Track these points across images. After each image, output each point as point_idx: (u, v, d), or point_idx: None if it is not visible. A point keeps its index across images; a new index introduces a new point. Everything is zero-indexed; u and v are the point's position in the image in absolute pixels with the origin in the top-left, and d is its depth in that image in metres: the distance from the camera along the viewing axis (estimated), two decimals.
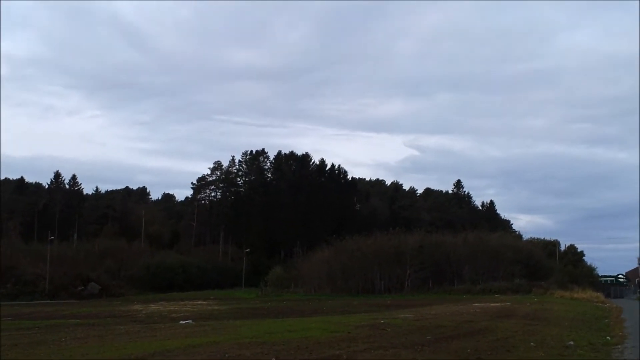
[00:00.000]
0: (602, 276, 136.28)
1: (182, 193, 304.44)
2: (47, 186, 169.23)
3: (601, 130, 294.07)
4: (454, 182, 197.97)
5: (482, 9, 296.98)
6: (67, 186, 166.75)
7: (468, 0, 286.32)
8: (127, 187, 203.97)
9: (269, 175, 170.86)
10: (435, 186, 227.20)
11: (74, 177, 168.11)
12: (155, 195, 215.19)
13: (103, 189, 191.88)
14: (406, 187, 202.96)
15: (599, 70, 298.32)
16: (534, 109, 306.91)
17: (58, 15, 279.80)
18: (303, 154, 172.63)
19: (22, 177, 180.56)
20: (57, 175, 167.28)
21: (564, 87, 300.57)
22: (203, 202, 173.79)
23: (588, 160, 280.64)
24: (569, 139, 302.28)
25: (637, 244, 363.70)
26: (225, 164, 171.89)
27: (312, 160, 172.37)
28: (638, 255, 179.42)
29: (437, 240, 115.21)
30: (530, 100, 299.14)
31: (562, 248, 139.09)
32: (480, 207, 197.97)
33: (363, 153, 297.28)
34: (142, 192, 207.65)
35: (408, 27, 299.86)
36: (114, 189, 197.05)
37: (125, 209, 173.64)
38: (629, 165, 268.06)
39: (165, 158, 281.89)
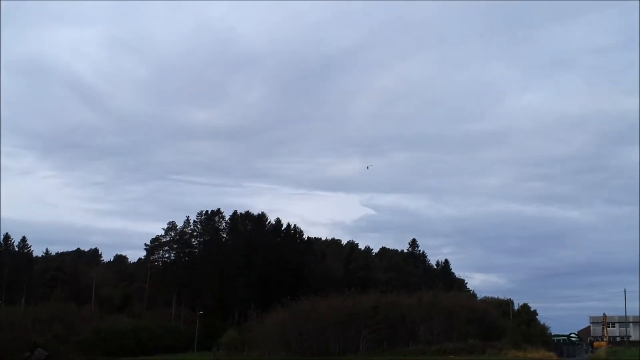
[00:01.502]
0: (555, 335, 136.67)
1: (135, 254, 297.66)
2: None
3: (554, 189, 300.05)
4: (410, 241, 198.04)
5: (436, 71, 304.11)
6: (17, 249, 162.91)
7: (421, 62, 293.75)
8: (78, 248, 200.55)
9: (224, 235, 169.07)
10: (391, 245, 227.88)
11: (23, 240, 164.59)
12: (107, 256, 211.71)
13: (53, 250, 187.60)
14: (362, 246, 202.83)
15: (550, 130, 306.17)
16: (487, 168, 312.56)
17: (15, 74, 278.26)
18: (259, 214, 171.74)
19: None
20: (7, 237, 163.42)
21: (517, 147, 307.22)
22: (156, 263, 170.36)
23: (541, 219, 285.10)
24: (523, 197, 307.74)
25: (590, 303, 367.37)
26: (179, 224, 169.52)
27: (268, 220, 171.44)
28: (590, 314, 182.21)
29: (392, 300, 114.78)
30: (483, 160, 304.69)
31: (516, 307, 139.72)
32: (435, 266, 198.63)
33: (319, 212, 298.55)
34: (94, 253, 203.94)
35: (363, 88, 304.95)
36: (64, 250, 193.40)
37: (76, 272, 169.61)
38: (581, 224, 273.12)
39: (118, 219, 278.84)
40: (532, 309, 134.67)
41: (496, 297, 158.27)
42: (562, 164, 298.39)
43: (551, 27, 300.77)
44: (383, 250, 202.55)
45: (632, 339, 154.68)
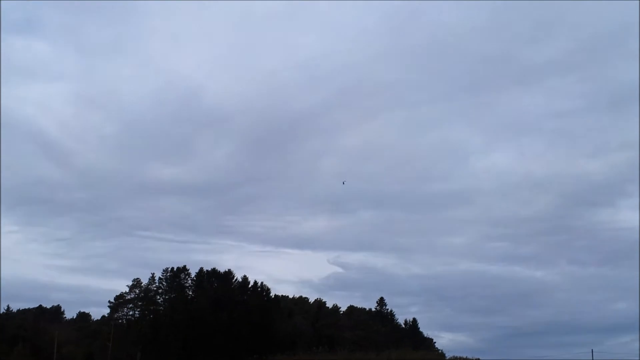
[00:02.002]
0: None
1: (99, 312, 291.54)
2: None
3: (519, 249, 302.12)
4: (377, 300, 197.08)
5: (402, 132, 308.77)
6: None
7: (388, 123, 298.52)
8: (40, 305, 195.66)
9: (190, 292, 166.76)
10: (359, 303, 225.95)
11: None
12: (70, 314, 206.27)
13: (15, 307, 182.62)
14: (329, 304, 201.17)
15: (514, 191, 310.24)
16: (453, 227, 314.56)
17: None
18: (225, 271, 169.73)
19: None
20: None
21: (482, 207, 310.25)
22: (120, 321, 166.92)
23: (507, 279, 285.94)
24: (489, 257, 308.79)
25: None
26: (144, 281, 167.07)
27: (235, 277, 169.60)
28: None
29: (360, 359, 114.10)
30: (450, 219, 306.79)
31: None
32: (404, 325, 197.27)
33: (287, 270, 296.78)
34: (56, 311, 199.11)
35: (331, 147, 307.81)
36: (26, 307, 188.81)
37: (37, 329, 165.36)
38: (547, 284, 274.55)
39: (82, 275, 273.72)
40: None
41: (464, 356, 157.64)
42: (526, 225, 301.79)
43: (514, 92, 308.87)
44: (351, 308, 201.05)
45: None
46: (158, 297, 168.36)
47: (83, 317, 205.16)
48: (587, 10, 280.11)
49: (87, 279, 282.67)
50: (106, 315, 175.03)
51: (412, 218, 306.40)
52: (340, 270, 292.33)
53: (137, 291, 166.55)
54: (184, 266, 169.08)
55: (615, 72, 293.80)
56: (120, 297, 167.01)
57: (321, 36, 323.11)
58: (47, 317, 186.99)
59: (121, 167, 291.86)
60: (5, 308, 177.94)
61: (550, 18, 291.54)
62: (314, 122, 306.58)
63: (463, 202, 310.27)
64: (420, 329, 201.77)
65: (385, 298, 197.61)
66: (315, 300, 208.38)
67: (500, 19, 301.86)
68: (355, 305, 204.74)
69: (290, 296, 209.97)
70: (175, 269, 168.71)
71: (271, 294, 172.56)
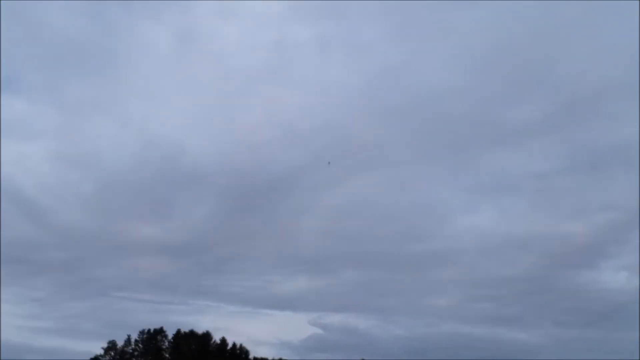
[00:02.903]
0: None
1: None
2: None
3: (502, 310, 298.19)
4: None
5: (382, 191, 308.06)
6: None
7: (368, 182, 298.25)
8: None
9: (167, 355, 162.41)
10: None
11: None
12: None
13: None
14: None
15: (496, 251, 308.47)
16: (436, 288, 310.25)
17: None
18: (204, 333, 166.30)
19: None
20: None
21: (465, 267, 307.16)
22: None
23: (491, 340, 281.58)
24: (472, 318, 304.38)
25: None
26: (120, 343, 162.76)
27: (213, 339, 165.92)
28: None
29: None
30: (432, 280, 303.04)
31: None
32: None
33: (266, 331, 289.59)
34: None
35: (311, 206, 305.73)
36: None
37: None
38: (531, 346, 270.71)
39: (57, 337, 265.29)
40: None
41: None
42: (510, 285, 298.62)
43: (494, 152, 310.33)
44: None
45: None
46: (134, 359, 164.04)
47: None
48: (565, 72, 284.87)
49: (62, 340, 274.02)
50: None
51: (394, 278, 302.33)
52: (320, 331, 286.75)
53: (112, 353, 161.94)
54: (161, 328, 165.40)
55: (594, 134, 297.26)
56: None
57: (302, 95, 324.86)
58: None
59: (99, 227, 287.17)
60: None
61: (529, 79, 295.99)
62: (295, 180, 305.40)
63: (446, 262, 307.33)
64: None
65: None
66: None
67: (479, 80, 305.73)
68: None
69: (270, 358, 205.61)
70: (152, 331, 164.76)
71: (250, 356, 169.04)
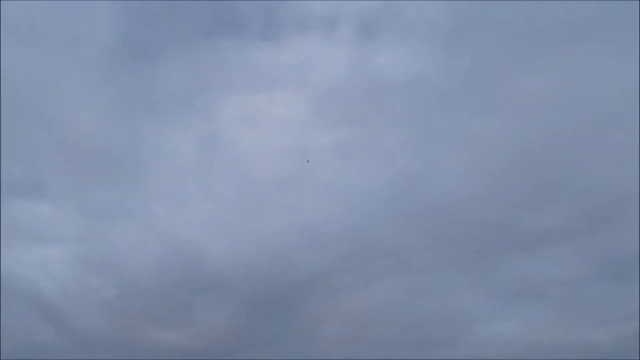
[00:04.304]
0: None
1: None
2: None
3: None
4: None
5: (404, 297, 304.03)
6: None
7: (389, 288, 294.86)
8: None
9: None
10: None
11: None
12: None
13: None
14: None
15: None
16: None
17: None
18: None
19: None
20: None
21: None
22: None
23: None
24: None
25: None
26: None
27: None
28: None
29: None
30: None
31: None
32: None
33: None
34: None
35: (332, 311, 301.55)
36: None
37: None
38: None
39: None
40: None
41: None
42: None
43: (517, 259, 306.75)
44: None
45: None
46: None
47: None
48: (588, 178, 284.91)
49: None
50: None
51: None
52: None
53: None
54: None
55: (619, 240, 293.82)
56: None
57: (323, 200, 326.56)
58: None
59: (119, 331, 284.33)
60: None
61: (551, 185, 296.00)
62: (315, 286, 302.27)
63: None
64: None
65: None
66: None
67: (501, 187, 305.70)
68: None
69: None
70: None
71: None
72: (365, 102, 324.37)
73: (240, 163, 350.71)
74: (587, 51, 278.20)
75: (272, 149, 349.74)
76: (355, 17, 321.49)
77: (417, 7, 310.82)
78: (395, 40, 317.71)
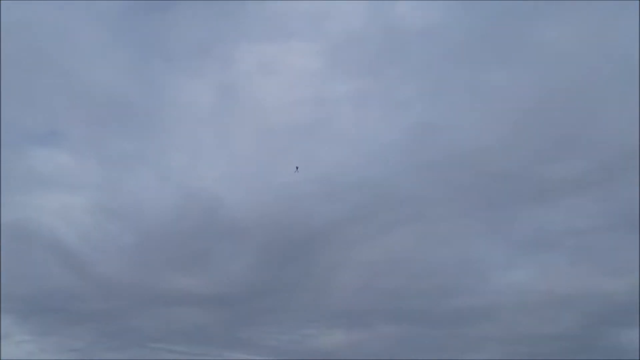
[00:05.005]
0: None
1: None
2: None
3: None
4: None
5: (420, 246, 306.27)
6: None
7: (405, 237, 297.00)
8: None
9: None
10: None
11: None
12: None
13: None
14: None
15: (537, 308, 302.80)
16: (474, 344, 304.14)
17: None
18: None
19: None
20: None
21: (504, 324, 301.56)
22: None
23: None
24: None
25: None
26: None
27: None
28: None
29: None
30: (471, 336, 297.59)
31: None
32: None
33: None
34: None
35: (348, 260, 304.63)
36: None
37: None
38: None
39: None
40: None
41: None
42: (550, 343, 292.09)
43: (532, 209, 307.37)
44: None
45: None
46: None
47: None
48: (605, 129, 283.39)
49: None
50: None
51: (432, 333, 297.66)
52: None
53: None
54: None
55: (633, 192, 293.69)
56: None
57: (339, 150, 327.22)
58: None
59: (138, 278, 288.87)
60: None
61: (568, 136, 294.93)
62: (332, 234, 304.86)
63: (484, 319, 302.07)
64: None
65: None
66: None
67: (518, 137, 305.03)
68: None
69: None
70: None
71: None
72: (383, 52, 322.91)
73: (256, 112, 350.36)
74: (604, 2, 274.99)
75: (289, 98, 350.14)
76: None
77: None
78: None
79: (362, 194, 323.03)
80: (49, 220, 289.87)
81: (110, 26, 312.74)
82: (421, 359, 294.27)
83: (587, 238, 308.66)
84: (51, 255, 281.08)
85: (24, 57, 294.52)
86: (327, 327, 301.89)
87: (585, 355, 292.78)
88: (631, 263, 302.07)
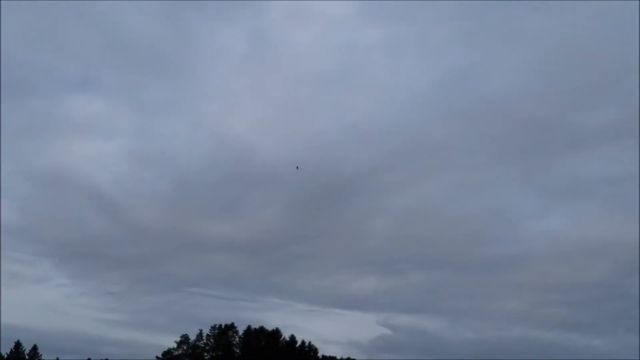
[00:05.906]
0: None
1: None
2: (6, 356, 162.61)
3: (575, 316, 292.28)
4: None
5: (453, 194, 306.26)
6: (27, 357, 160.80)
7: (439, 185, 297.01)
8: (89, 358, 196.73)
9: (237, 350, 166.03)
10: None
11: (34, 348, 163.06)
12: None
13: (64, 359, 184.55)
14: None
15: (569, 256, 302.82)
16: (506, 291, 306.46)
17: (37, 184, 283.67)
18: (273, 330, 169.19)
19: None
20: (18, 344, 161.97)
21: (536, 272, 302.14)
22: None
23: (562, 346, 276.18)
24: (543, 323, 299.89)
25: None
26: (192, 337, 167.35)
27: (283, 337, 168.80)
28: None
29: None
30: (502, 283, 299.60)
31: None
32: None
33: (335, 330, 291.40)
34: None
35: (381, 207, 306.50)
36: None
37: None
38: (604, 353, 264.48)
39: (131, 330, 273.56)
40: None
41: None
42: (582, 291, 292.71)
43: (566, 157, 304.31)
44: None
45: None
46: (205, 354, 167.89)
47: None
48: None
49: (136, 333, 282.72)
50: None
51: (464, 281, 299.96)
52: (389, 332, 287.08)
53: (184, 347, 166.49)
54: (232, 323, 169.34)
55: None
56: (168, 353, 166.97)
57: (372, 98, 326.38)
58: None
59: (173, 224, 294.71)
60: None
61: (603, 83, 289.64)
62: (364, 182, 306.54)
63: (516, 266, 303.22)
64: None
65: None
66: None
67: (552, 84, 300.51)
68: None
69: (339, 357, 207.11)
70: (222, 327, 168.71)
71: (319, 354, 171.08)
72: None
73: (289, 60, 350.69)
74: None
75: (321, 45, 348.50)
76: None
77: None
78: None
79: (394, 142, 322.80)
80: (84, 167, 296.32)
81: None
82: (452, 306, 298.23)
83: (621, 186, 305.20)
84: (87, 201, 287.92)
85: (57, 6, 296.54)
86: (360, 273, 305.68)
87: (617, 303, 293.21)
88: None
